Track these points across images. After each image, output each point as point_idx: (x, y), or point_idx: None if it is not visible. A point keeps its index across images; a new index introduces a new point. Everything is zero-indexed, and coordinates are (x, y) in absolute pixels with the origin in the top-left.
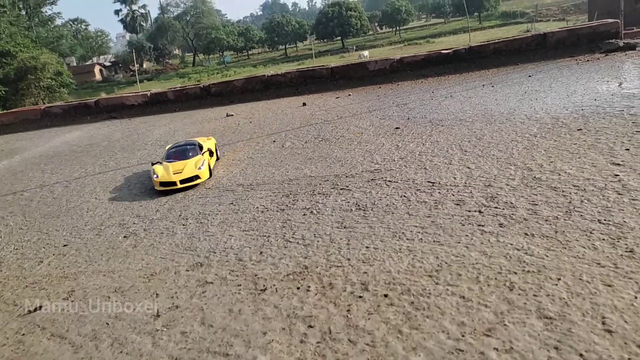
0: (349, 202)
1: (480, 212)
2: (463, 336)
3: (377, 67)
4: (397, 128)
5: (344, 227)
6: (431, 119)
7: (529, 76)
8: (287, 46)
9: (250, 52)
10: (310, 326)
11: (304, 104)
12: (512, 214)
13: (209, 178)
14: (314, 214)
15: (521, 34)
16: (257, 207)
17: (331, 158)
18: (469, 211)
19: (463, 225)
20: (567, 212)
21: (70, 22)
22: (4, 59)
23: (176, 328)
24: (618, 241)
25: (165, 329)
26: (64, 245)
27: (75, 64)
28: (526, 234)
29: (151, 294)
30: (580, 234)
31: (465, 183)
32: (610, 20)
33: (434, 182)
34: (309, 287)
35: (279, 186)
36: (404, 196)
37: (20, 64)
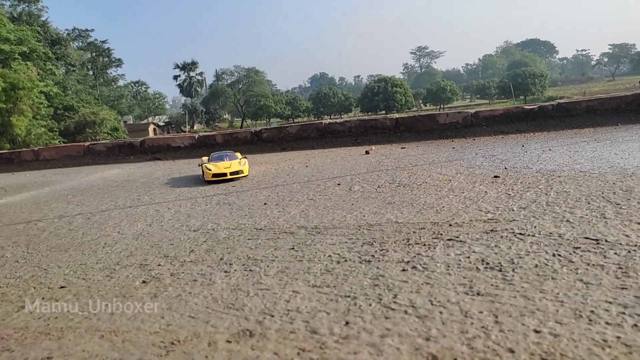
0: (468, 257)
1: None
2: None
3: (448, 120)
4: (495, 176)
5: (477, 294)
6: (538, 169)
7: None
8: (332, 117)
9: (296, 120)
10: None
11: (367, 152)
12: None
13: (246, 176)
14: (419, 271)
15: (619, 92)
16: (330, 256)
17: (419, 204)
18: None
19: None
20: None
21: (132, 84)
22: (67, 112)
23: None
24: None
25: None
26: (61, 287)
27: (131, 121)
28: None
29: None
30: None
31: None
32: None
33: (597, 240)
34: None
35: (355, 231)
36: (558, 255)
37: (80, 118)
